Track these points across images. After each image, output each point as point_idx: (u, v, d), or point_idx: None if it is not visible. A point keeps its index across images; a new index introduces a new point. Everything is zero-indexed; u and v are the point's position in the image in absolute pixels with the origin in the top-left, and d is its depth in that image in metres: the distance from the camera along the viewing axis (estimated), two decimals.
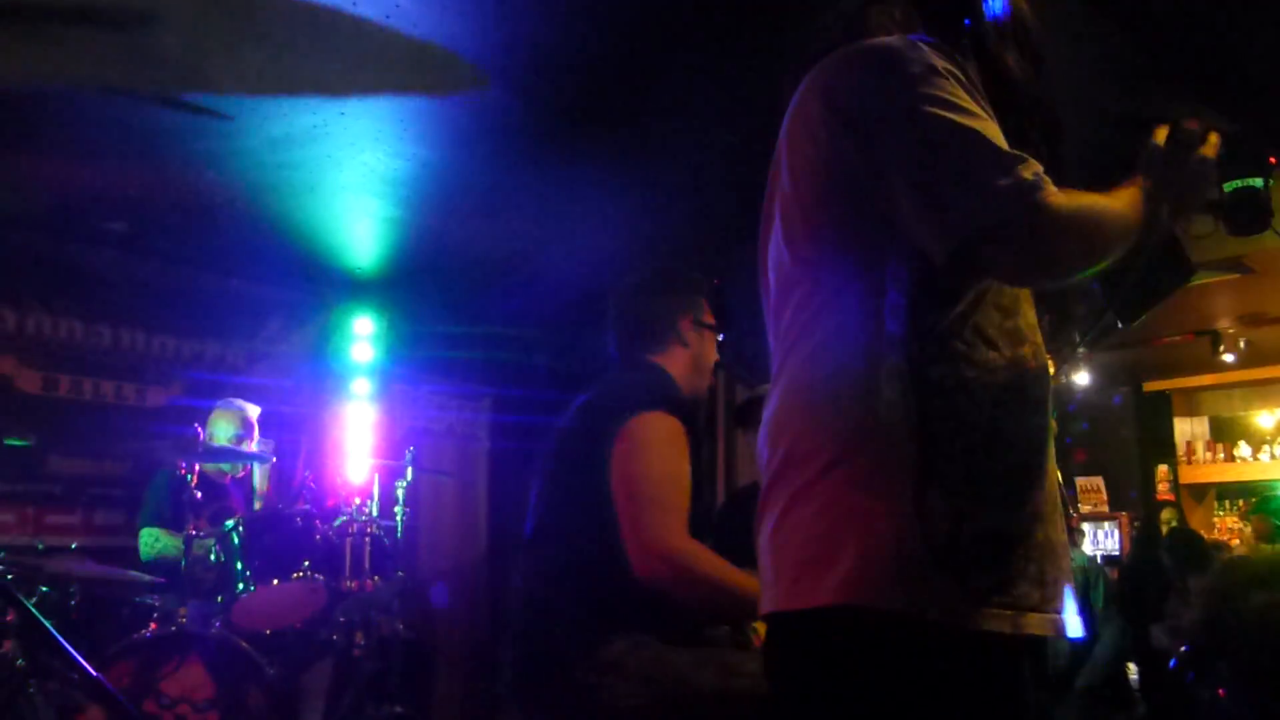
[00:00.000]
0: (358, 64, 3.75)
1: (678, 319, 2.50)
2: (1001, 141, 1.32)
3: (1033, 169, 1.29)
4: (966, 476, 1.31)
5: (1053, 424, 1.44)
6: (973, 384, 1.34)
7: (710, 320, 2.53)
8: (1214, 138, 1.46)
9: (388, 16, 3.37)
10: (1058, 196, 1.28)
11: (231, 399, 4.91)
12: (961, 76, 1.37)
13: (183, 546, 3.89)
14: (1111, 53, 3.45)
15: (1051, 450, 1.41)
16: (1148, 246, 1.47)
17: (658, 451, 2.23)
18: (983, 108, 1.36)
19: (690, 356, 2.50)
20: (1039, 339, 1.44)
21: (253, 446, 4.80)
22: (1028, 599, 1.33)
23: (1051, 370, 1.49)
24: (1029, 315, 1.44)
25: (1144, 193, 1.42)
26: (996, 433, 1.34)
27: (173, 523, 4.38)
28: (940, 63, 1.36)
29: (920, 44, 1.40)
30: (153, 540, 4.41)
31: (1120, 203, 1.39)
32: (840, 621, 1.32)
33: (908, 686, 1.30)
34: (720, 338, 2.56)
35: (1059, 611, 1.37)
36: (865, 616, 1.30)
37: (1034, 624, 1.33)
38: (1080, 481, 8.79)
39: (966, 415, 1.33)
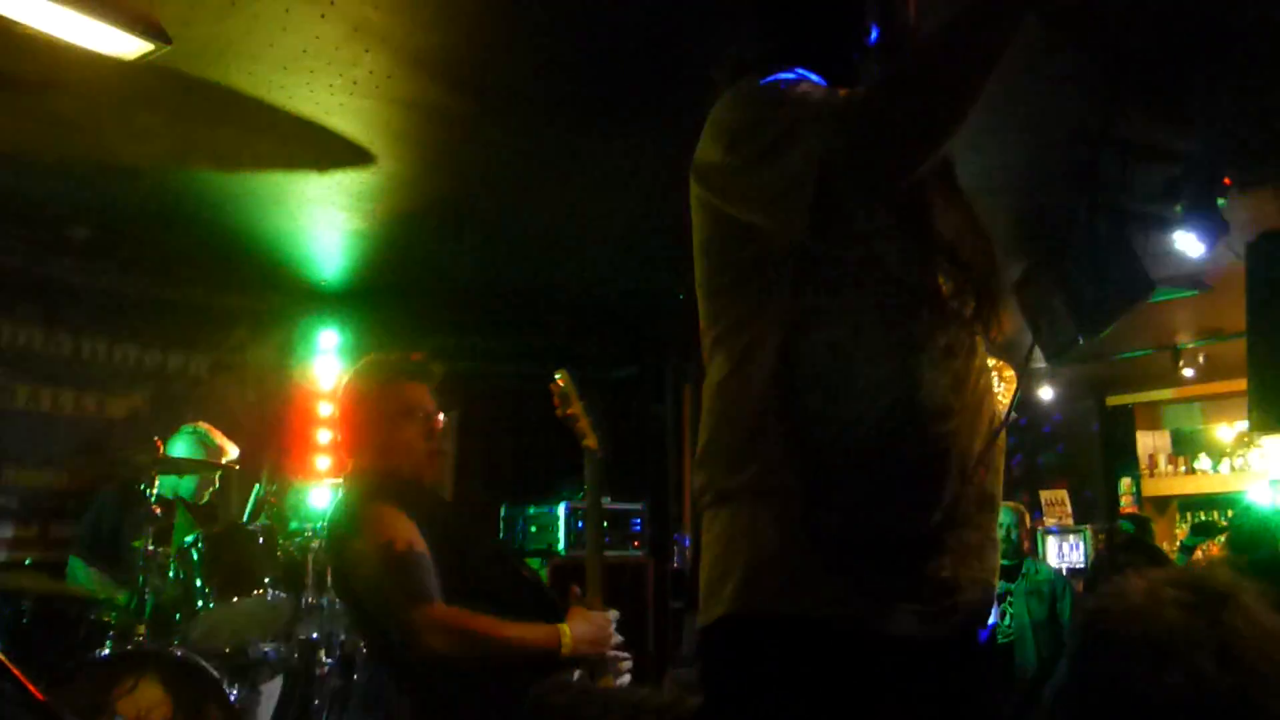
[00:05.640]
0: (252, 135, 3.96)
1: (355, 425, 2.65)
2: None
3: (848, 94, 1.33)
4: (855, 483, 1.33)
5: (986, 431, 1.43)
6: (857, 399, 1.35)
7: (402, 406, 2.64)
8: None
9: (281, 88, 3.60)
10: (869, 89, 1.29)
11: (200, 425, 4.80)
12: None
13: (111, 586, 3.80)
14: (1070, 70, 3.49)
15: (977, 453, 1.40)
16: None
17: (368, 552, 2.37)
18: None
19: (385, 451, 2.60)
20: (954, 333, 1.42)
21: (215, 479, 4.72)
22: (935, 601, 1.34)
23: (1005, 386, 1.49)
24: (935, 325, 1.41)
25: None
26: (888, 441, 1.35)
27: (108, 550, 4.26)
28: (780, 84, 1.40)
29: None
30: (77, 573, 4.29)
31: (938, 35, 1.29)
32: (736, 630, 1.36)
33: (805, 689, 1.31)
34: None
35: (974, 615, 1.39)
36: (758, 623, 1.34)
37: (938, 627, 1.34)
38: (1044, 494, 8.87)
39: (852, 429, 1.34)
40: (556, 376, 2.61)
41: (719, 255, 1.49)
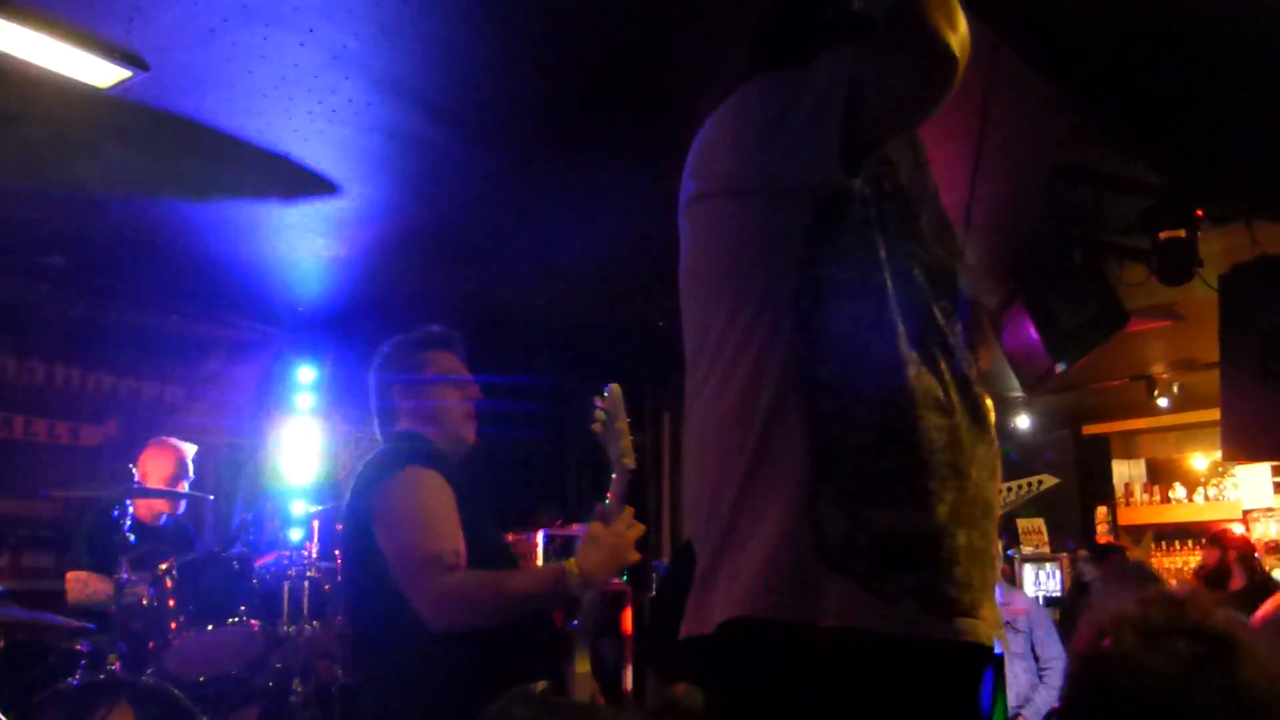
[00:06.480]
0: (228, 162, 4.00)
1: (391, 393, 2.68)
2: None
3: None
4: (859, 476, 1.29)
5: (985, 436, 1.42)
6: (861, 382, 1.33)
7: (436, 372, 2.68)
8: None
9: (241, 127, 3.66)
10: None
11: (166, 437, 4.79)
12: None
13: (113, 591, 3.76)
14: (1046, 107, 3.53)
15: (978, 456, 1.38)
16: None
17: (404, 508, 2.38)
18: None
19: (424, 415, 2.64)
20: (951, 341, 1.42)
21: (186, 487, 4.69)
22: (955, 604, 1.29)
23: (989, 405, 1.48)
24: (935, 318, 1.42)
25: None
26: (889, 432, 1.31)
27: (102, 565, 4.24)
28: None
29: None
30: (81, 585, 4.28)
31: None
32: (733, 637, 1.31)
33: (815, 697, 1.27)
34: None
35: (988, 620, 1.33)
36: (756, 629, 1.29)
37: (965, 629, 1.29)
38: (1021, 523, 8.89)
39: (855, 414, 1.31)
40: (606, 391, 2.58)
41: (730, 265, 1.45)
